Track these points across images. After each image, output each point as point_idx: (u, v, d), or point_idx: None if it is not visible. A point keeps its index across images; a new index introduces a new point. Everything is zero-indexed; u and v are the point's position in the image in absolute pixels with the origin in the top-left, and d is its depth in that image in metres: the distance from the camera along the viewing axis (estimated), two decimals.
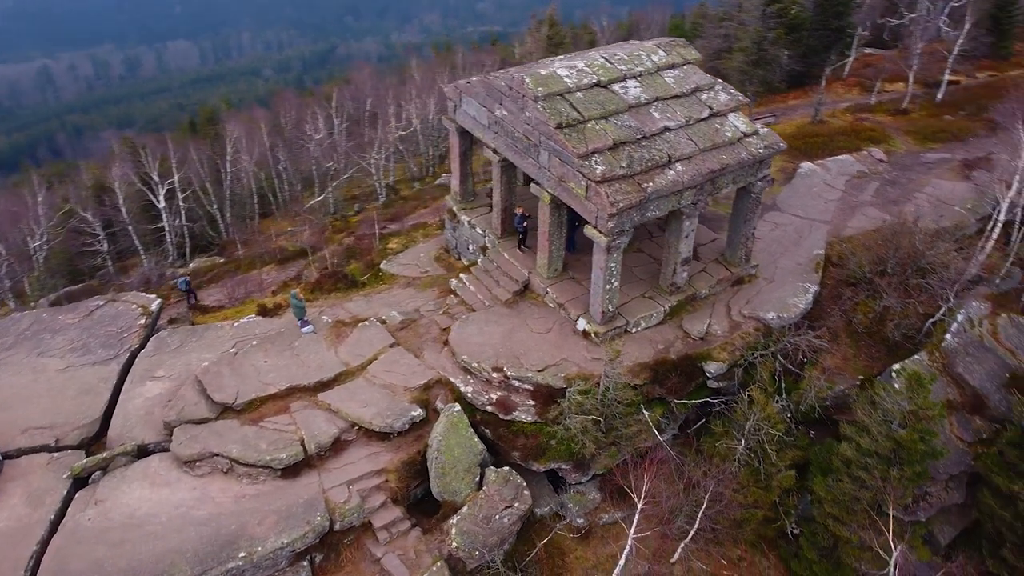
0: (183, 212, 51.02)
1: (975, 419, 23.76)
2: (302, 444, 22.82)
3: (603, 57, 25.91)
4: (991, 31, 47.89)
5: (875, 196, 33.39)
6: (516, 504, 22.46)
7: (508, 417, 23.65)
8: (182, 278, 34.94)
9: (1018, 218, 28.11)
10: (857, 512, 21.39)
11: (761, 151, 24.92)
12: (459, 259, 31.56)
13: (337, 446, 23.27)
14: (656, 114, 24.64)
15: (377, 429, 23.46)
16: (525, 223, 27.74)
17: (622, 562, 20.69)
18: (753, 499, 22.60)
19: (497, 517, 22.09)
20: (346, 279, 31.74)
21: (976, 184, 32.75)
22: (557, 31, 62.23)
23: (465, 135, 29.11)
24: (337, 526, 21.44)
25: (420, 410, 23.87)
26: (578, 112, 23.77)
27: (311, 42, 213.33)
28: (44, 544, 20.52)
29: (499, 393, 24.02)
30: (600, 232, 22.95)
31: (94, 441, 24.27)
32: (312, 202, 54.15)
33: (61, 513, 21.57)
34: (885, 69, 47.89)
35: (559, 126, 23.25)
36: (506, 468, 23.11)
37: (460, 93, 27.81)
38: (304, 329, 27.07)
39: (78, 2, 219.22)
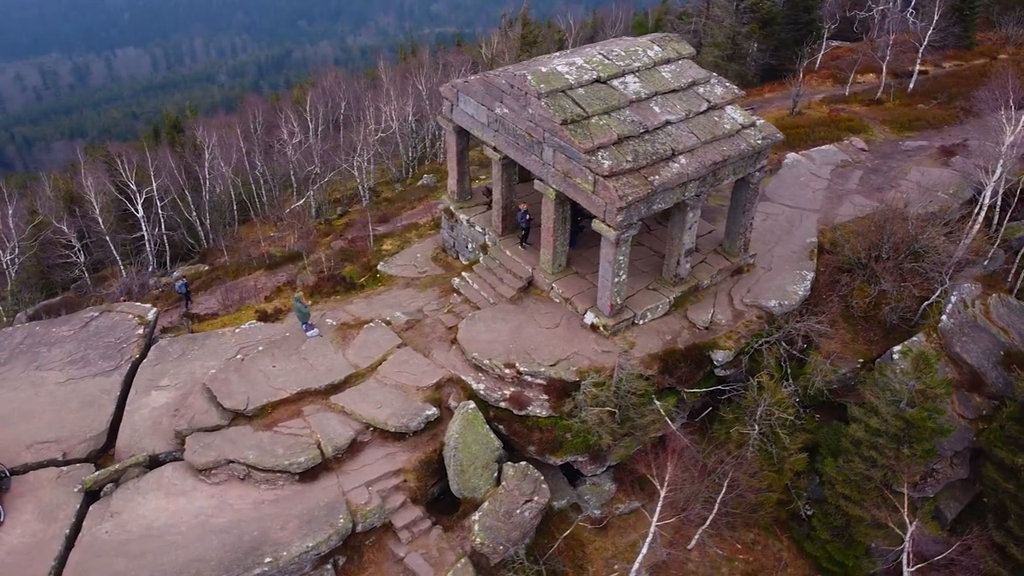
0: (162, 220, 50.16)
1: (974, 396, 24.58)
2: (319, 447, 22.72)
3: (601, 53, 26.21)
4: (957, 22, 49.28)
5: (860, 184, 34.26)
6: (535, 498, 22.65)
7: (522, 412, 23.81)
8: (180, 280, 34.48)
9: (999, 201, 29.13)
10: (869, 491, 22.00)
11: (759, 142, 25.45)
12: (457, 258, 31.61)
13: (354, 448, 23.22)
14: (656, 108, 25.01)
15: (393, 429, 23.46)
16: (528, 218, 27.90)
17: (644, 549, 21.01)
18: (767, 483, 23.10)
19: (518, 511, 22.25)
20: (344, 282, 31.58)
21: (956, 170, 33.77)
22: (531, 29, 62.47)
23: (462, 134, 29.18)
24: (359, 528, 21.42)
25: (435, 409, 23.92)
26: (581, 108, 24.03)
27: (265, 47, 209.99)
28: (62, 559, 20.17)
29: (512, 389, 24.17)
30: (609, 226, 23.24)
31: (102, 453, 23.84)
32: (293, 206, 53.62)
33: (76, 527, 21.21)
34: (857, 61, 49.07)
35: (564, 122, 23.47)
36: (523, 463, 23.29)
37: (457, 92, 27.88)
38: (309, 333, 26.92)
39: (21, 10, 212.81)
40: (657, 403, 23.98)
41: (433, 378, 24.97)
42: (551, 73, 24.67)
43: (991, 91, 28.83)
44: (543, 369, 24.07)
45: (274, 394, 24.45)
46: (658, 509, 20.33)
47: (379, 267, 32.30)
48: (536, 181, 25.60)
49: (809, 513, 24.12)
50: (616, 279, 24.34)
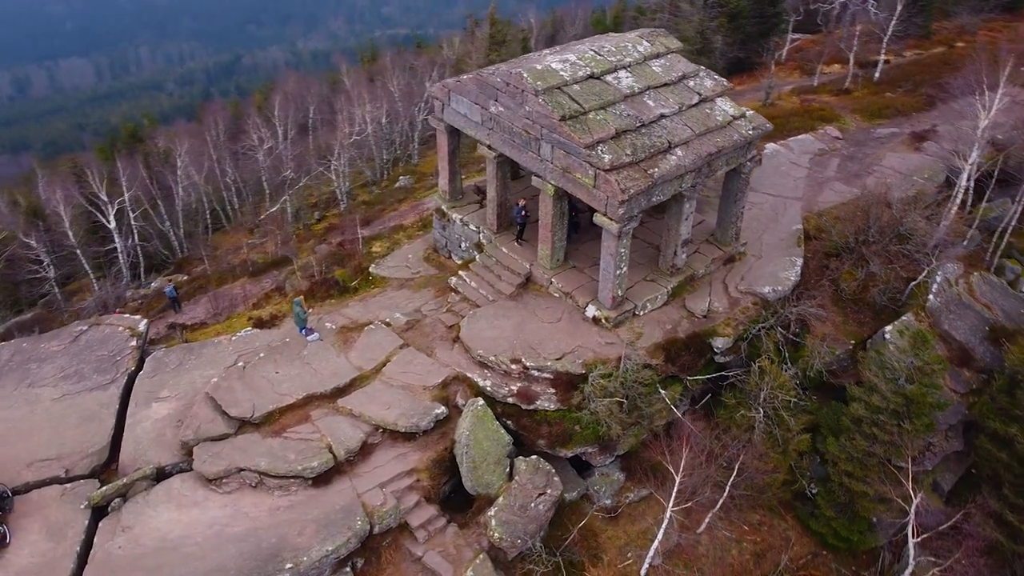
0: (135, 231, 49.20)
1: (964, 371, 25.49)
2: (330, 451, 22.63)
3: (592, 50, 26.52)
4: (917, 12, 50.84)
5: (838, 171, 35.18)
6: (549, 491, 22.87)
7: (530, 407, 24.00)
8: (169, 286, 34.00)
9: (972, 184, 30.21)
10: (872, 467, 22.68)
11: (750, 132, 26.02)
12: (450, 258, 31.65)
13: (365, 450, 23.17)
14: (650, 102, 25.41)
15: (403, 430, 23.46)
16: (525, 214, 28.07)
17: (660, 534, 21.44)
18: (773, 464, 23.65)
19: (532, 505, 22.45)
20: (337, 285, 31.42)
21: (929, 155, 34.88)
22: (499, 29, 62.62)
23: (453, 134, 29.23)
24: (376, 529, 21.41)
25: (443, 407, 23.98)
26: (578, 104, 24.29)
27: (213, 53, 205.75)
28: None
29: (519, 384, 24.34)
30: (611, 219, 23.54)
31: (105, 468, 23.46)
32: (267, 212, 53.06)
33: (87, 544, 20.85)
34: (823, 52, 50.29)
35: (563, 118, 23.71)
36: (534, 457, 23.49)
37: (449, 92, 27.93)
38: (310, 337, 26.75)
39: None
40: (663, 392, 24.38)
41: (439, 377, 25.02)
42: (546, 70, 24.90)
43: (965, 79, 29.78)
44: (550, 363, 24.28)
45: (280, 400, 24.26)
46: (673, 495, 20.73)
47: (371, 269, 32.17)
48: (534, 178, 25.79)
49: (813, 492, 24.73)
50: (618, 271, 24.67)
